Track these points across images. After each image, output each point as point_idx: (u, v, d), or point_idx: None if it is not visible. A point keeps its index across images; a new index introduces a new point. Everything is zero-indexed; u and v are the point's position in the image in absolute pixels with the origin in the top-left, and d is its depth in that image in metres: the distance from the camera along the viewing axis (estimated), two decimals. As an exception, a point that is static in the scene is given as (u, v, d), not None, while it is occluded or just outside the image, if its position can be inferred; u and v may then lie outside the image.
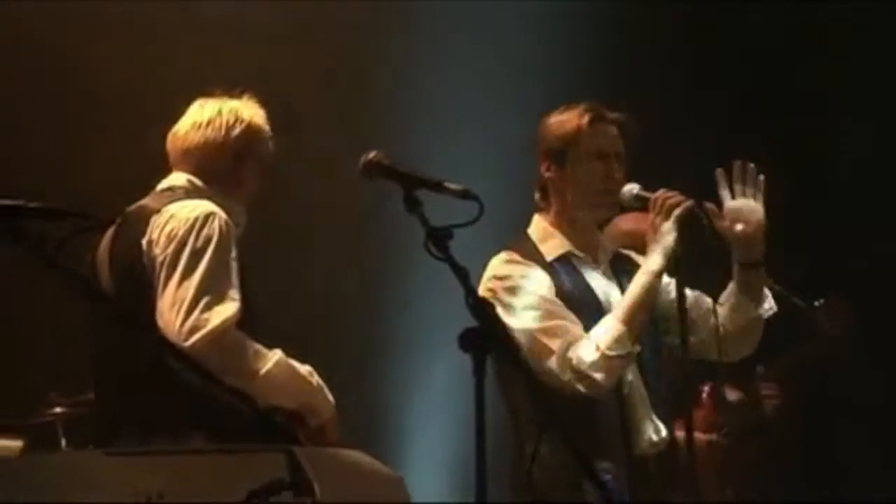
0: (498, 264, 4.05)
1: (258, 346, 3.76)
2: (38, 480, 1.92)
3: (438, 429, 5.63)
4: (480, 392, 2.92)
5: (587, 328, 3.95)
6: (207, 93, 4.14)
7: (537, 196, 4.18)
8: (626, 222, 4.48)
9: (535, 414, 3.87)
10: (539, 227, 4.15)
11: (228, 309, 3.69)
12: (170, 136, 4.11)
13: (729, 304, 4.13)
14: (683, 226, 3.94)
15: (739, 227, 4.06)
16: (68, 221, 2.50)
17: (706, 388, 5.39)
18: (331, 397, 3.95)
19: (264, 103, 4.14)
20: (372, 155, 3.26)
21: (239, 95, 4.14)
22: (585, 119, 4.08)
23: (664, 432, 4.03)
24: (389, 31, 6.14)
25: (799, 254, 4.23)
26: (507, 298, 3.96)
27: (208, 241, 3.76)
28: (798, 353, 5.53)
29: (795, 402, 5.65)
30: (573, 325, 3.95)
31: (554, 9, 6.24)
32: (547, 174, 4.12)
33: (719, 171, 4.09)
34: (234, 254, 3.81)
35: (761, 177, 4.08)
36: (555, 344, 3.91)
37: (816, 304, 5.15)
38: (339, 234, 5.76)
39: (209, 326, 3.64)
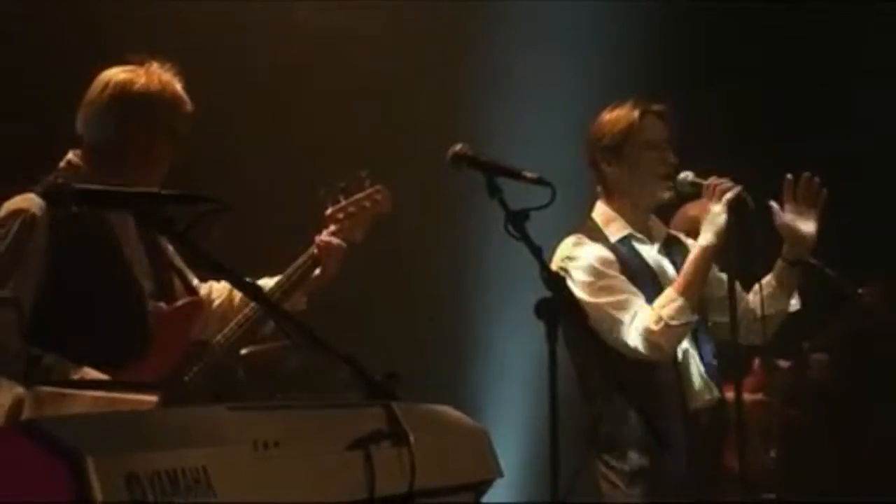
0: (569, 246, 4.05)
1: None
2: (168, 430, 1.92)
3: (517, 386, 5.60)
4: (553, 354, 2.94)
5: (648, 301, 3.94)
6: (123, 60, 3.68)
7: (599, 187, 4.17)
8: (693, 209, 4.46)
9: (601, 375, 3.88)
10: (602, 211, 4.14)
11: None
12: None
13: (766, 292, 4.11)
14: (732, 209, 3.91)
15: (794, 229, 4.06)
16: (197, 205, 2.50)
17: (757, 360, 5.33)
18: None
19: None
20: (458, 147, 3.26)
21: (142, 63, 3.66)
22: (636, 114, 4.09)
23: (716, 392, 4.04)
24: (479, 30, 6.01)
25: (841, 237, 4.15)
26: (578, 276, 3.96)
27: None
28: (841, 330, 5.39)
29: (839, 374, 5.52)
30: (637, 298, 3.95)
31: (629, 9, 6.11)
32: (608, 168, 4.11)
33: (788, 178, 4.06)
34: (30, 247, 3.42)
35: (824, 190, 4.06)
36: (623, 315, 3.91)
37: (860, 290, 5.04)
38: (430, 219, 5.70)
39: None
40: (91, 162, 3.61)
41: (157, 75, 3.64)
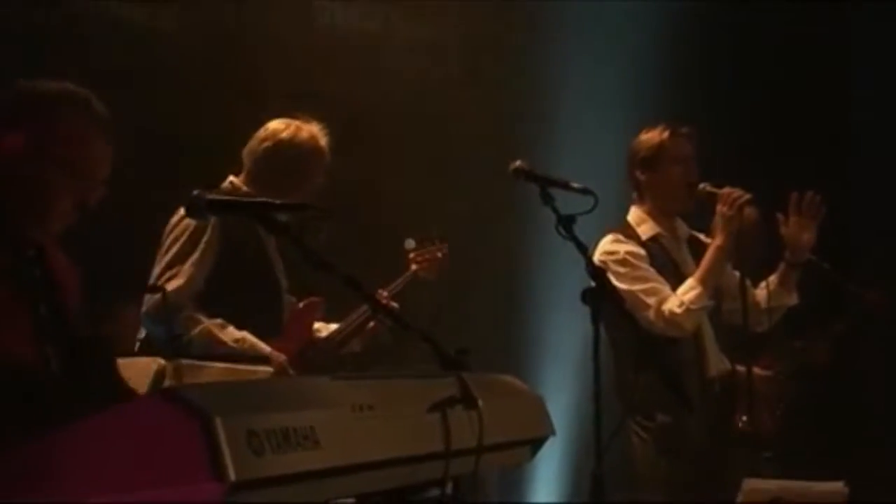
0: (607, 243, 4.02)
1: (192, 317, 3.52)
2: (282, 395, 1.91)
3: (566, 361, 5.52)
4: (597, 334, 2.92)
5: (672, 289, 3.92)
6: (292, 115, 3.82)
7: (634, 194, 4.14)
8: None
9: (633, 350, 3.84)
10: (635, 214, 4.11)
11: (172, 284, 3.49)
12: None
13: (771, 288, 4.08)
14: (742, 214, 3.89)
15: (796, 236, 4.02)
16: (307, 212, 2.49)
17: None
18: (266, 349, 3.59)
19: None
20: (518, 163, 3.23)
21: (302, 119, 3.81)
22: (666, 134, 4.05)
23: (727, 364, 4.02)
24: (525, 36, 5.78)
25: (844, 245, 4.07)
26: (615, 268, 3.91)
27: (182, 232, 3.59)
28: (845, 321, 5.22)
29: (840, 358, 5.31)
30: (663, 286, 3.93)
31: (676, 11, 5.78)
32: (642, 177, 4.08)
33: (793, 195, 4.01)
34: (205, 240, 3.57)
35: (823, 207, 4.01)
36: (651, 300, 3.89)
37: (865, 292, 4.91)
38: (496, 224, 5.60)
39: (157, 295, 3.47)
40: (249, 185, 3.75)
41: (305, 130, 3.78)
